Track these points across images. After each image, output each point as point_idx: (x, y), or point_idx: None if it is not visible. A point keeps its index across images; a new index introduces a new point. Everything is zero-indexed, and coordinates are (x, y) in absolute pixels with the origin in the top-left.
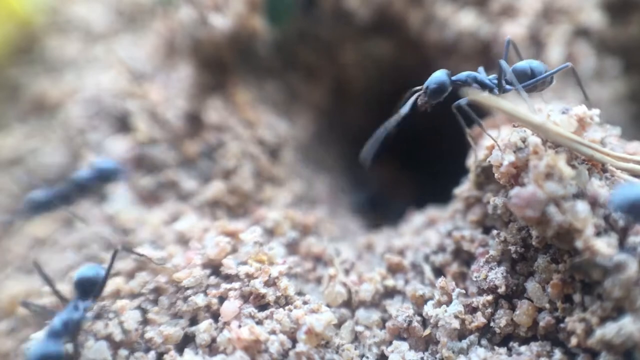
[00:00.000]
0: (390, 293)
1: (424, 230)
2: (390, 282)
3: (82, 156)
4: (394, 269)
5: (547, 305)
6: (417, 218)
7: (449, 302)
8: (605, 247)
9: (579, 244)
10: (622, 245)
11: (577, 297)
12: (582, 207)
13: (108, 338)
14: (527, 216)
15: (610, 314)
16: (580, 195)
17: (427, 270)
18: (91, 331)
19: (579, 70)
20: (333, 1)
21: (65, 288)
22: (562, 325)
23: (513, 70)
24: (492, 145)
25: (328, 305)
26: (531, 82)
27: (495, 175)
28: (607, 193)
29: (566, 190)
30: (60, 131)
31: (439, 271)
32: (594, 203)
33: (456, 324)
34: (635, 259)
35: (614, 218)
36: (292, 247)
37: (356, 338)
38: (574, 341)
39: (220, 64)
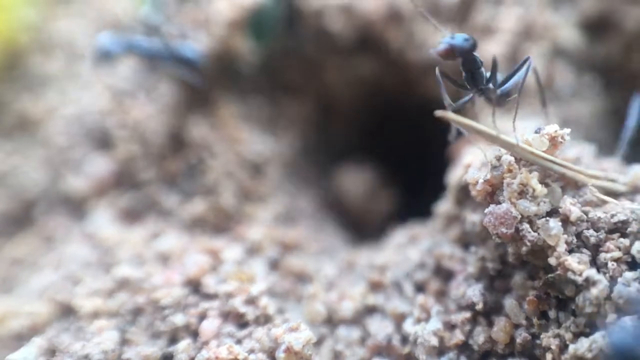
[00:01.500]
0: (370, 310)
1: (405, 247)
2: (370, 300)
3: (62, 175)
4: (374, 287)
5: (524, 322)
6: (399, 235)
7: (427, 320)
8: (576, 263)
9: (552, 260)
10: (594, 261)
11: (552, 313)
12: (554, 224)
13: (85, 359)
14: (500, 233)
15: (583, 329)
16: (553, 212)
17: (408, 288)
18: (68, 352)
19: (558, 88)
20: (315, 21)
21: (42, 307)
22: (538, 341)
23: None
24: (469, 163)
25: (308, 323)
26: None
27: (472, 193)
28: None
29: (539, 207)
30: (41, 149)
31: (419, 288)
32: (567, 220)
33: (435, 341)
34: (606, 276)
35: (585, 235)
36: (273, 265)
37: (336, 356)
38: (549, 357)
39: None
